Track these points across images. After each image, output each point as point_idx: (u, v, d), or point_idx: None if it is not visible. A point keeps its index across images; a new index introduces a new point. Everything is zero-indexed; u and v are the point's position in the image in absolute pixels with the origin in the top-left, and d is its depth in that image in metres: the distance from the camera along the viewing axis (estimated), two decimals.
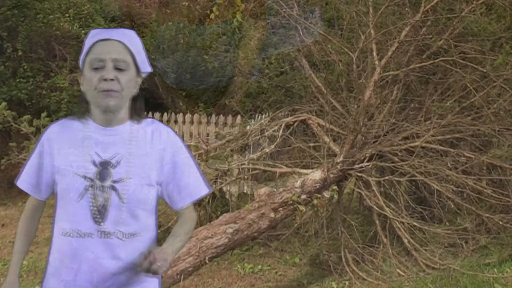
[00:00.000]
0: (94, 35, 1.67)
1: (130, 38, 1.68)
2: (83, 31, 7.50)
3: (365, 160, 4.85)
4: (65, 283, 1.69)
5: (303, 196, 4.35)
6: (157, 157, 1.69)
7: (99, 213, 1.64)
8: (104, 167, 1.65)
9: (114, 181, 1.64)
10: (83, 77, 1.66)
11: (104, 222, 1.64)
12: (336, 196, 4.75)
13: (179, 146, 1.75)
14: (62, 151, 1.69)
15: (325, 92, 5.71)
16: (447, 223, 4.99)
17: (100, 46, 1.63)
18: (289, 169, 5.20)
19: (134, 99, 1.72)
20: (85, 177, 1.64)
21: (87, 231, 1.64)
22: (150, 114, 7.35)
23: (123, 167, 1.65)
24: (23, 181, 1.77)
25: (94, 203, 1.64)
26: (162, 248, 1.62)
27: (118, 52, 1.62)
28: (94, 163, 1.65)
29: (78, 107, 1.73)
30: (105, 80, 1.59)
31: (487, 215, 4.76)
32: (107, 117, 1.67)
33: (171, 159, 1.71)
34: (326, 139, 5.38)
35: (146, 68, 1.74)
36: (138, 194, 1.66)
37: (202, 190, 1.79)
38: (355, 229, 4.96)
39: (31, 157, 1.75)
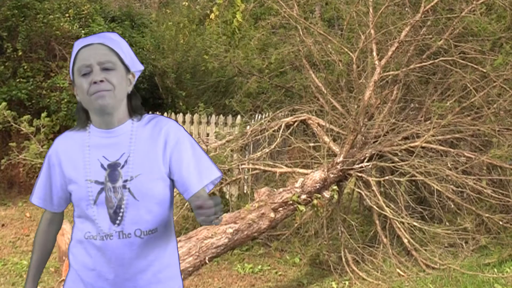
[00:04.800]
0: (77, 44, 1.68)
1: (112, 39, 1.69)
2: (83, 31, 7.49)
3: (365, 160, 4.86)
4: (87, 285, 1.70)
5: (303, 196, 4.35)
6: (162, 149, 1.69)
7: (116, 214, 1.65)
8: (113, 169, 1.66)
9: (125, 181, 1.66)
10: (76, 86, 1.67)
11: (121, 223, 1.65)
12: (336, 196, 4.75)
13: (181, 134, 1.72)
14: (70, 161, 1.70)
15: (325, 92, 5.71)
16: (447, 223, 4.99)
17: (84, 52, 1.64)
18: (289, 169, 5.20)
19: (130, 98, 1.73)
20: (96, 182, 1.66)
21: (106, 233, 1.65)
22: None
23: (131, 165, 1.67)
24: (36, 197, 1.79)
25: (109, 205, 1.65)
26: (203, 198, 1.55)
27: (102, 54, 1.64)
28: (102, 166, 1.67)
29: (78, 117, 1.74)
30: (95, 83, 1.60)
31: (487, 215, 4.77)
32: (106, 119, 1.68)
33: (175, 147, 1.69)
34: (326, 139, 5.38)
35: (137, 66, 1.75)
36: (151, 189, 1.67)
37: (213, 172, 1.72)
38: (355, 229, 4.96)
39: (41, 173, 1.78)
